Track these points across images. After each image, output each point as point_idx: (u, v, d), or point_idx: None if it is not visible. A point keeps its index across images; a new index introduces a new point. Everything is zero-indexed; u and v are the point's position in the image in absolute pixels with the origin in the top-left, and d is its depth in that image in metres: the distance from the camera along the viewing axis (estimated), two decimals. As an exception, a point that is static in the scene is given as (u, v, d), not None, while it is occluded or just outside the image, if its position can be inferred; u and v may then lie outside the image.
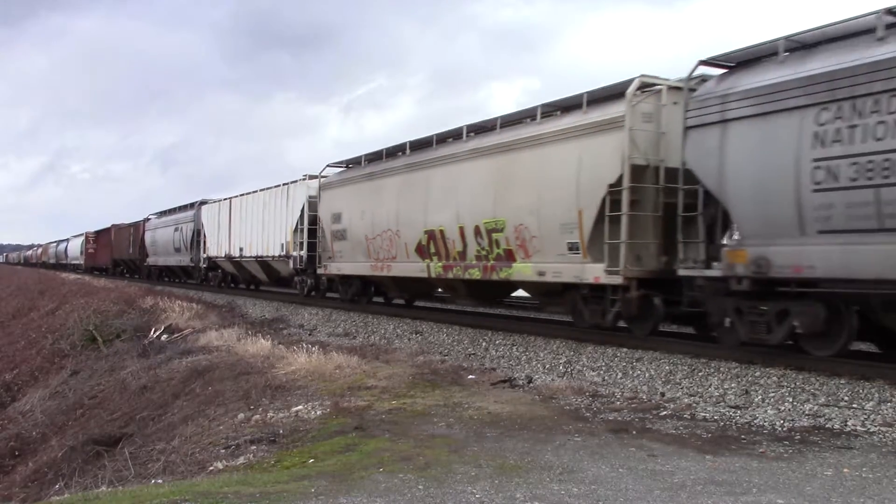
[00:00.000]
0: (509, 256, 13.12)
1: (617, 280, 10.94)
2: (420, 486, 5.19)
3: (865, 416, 7.29)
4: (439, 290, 17.64)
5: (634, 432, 7.01)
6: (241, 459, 6.77)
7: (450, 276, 14.75)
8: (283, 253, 22.75)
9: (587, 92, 12.02)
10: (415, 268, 15.79)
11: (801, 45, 9.29)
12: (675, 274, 10.43)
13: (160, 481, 6.73)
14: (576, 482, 5.29)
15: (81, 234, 59.26)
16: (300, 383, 9.81)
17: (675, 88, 10.96)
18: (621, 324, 11.69)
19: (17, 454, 13.79)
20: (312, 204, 21.03)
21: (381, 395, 8.78)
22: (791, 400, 8.07)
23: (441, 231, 14.83)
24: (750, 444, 6.56)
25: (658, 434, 6.95)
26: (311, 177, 21.49)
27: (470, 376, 10.32)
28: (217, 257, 28.92)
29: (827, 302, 8.70)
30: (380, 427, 7.20)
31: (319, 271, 20.51)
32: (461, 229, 14.23)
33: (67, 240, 69.03)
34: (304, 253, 21.43)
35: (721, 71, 10.29)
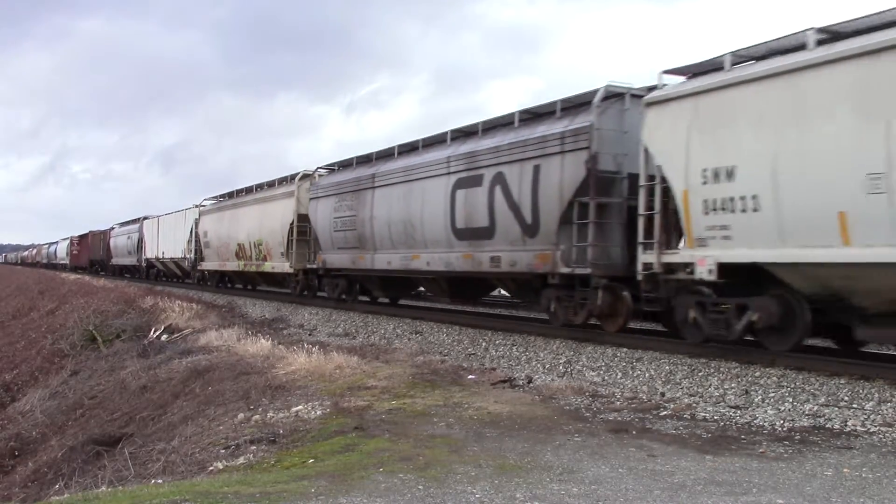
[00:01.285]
0: (264, 258, 24.93)
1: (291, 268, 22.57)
2: (420, 486, 5.19)
3: (865, 416, 7.29)
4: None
5: (634, 432, 7.01)
6: (241, 459, 6.76)
7: (245, 269, 26.81)
8: (182, 255, 34.75)
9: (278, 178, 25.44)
10: (235, 264, 27.64)
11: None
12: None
13: (160, 481, 6.73)
14: (576, 482, 5.29)
15: (68, 238, 69.46)
16: (300, 383, 9.81)
17: None
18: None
19: (17, 454, 13.78)
20: (197, 223, 32.26)
21: (381, 395, 8.78)
22: (791, 400, 8.07)
23: (241, 244, 26.85)
24: (750, 444, 6.56)
25: (658, 434, 6.95)
26: (197, 205, 33.01)
27: (470, 376, 10.32)
28: (151, 258, 40.57)
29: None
30: (380, 427, 7.20)
31: (198, 267, 32.39)
32: (249, 244, 26.18)
33: (56, 242, 79.61)
34: (192, 255, 33.17)
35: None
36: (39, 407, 15.81)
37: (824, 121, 8.32)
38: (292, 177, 23.00)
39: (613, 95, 11.79)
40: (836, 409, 7.63)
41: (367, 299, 20.31)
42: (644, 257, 10.51)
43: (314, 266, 20.81)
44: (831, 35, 8.64)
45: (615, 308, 11.43)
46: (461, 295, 16.63)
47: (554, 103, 12.84)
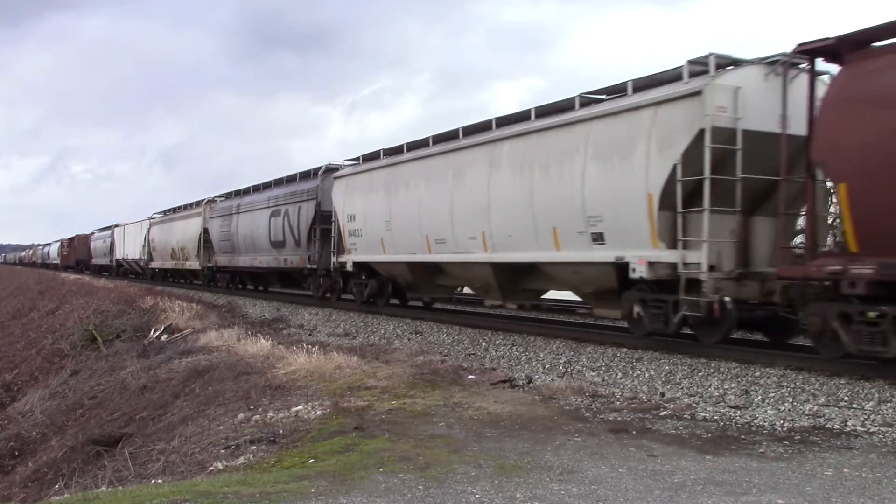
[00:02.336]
0: (185, 259, 33.42)
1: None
2: (420, 486, 5.19)
3: (865, 416, 7.29)
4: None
5: (634, 432, 7.01)
6: (241, 459, 6.76)
7: (176, 267, 35.62)
8: (139, 256, 42.72)
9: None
10: (171, 263, 36.27)
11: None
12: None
13: (160, 481, 6.73)
14: (576, 482, 5.29)
15: (59, 241, 77.12)
16: (300, 383, 9.80)
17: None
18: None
19: (17, 454, 13.78)
20: (149, 231, 40.04)
21: (381, 395, 8.78)
22: (791, 400, 8.07)
23: (174, 248, 35.48)
24: (750, 444, 6.56)
25: (658, 434, 6.95)
26: (149, 218, 40.91)
27: (470, 376, 10.32)
28: (120, 258, 48.77)
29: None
30: (380, 427, 7.20)
31: (149, 266, 40.35)
32: (178, 248, 34.65)
33: (50, 244, 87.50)
34: (146, 256, 41.07)
35: None
36: (39, 407, 15.81)
37: (371, 194, 17.83)
38: (199, 202, 33.02)
39: (329, 170, 21.12)
40: (836, 409, 7.63)
41: (242, 287, 30.56)
42: (335, 259, 19.70)
43: (210, 264, 30.91)
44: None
45: (333, 287, 20.90)
46: (280, 282, 26.55)
47: (297, 174, 23.64)
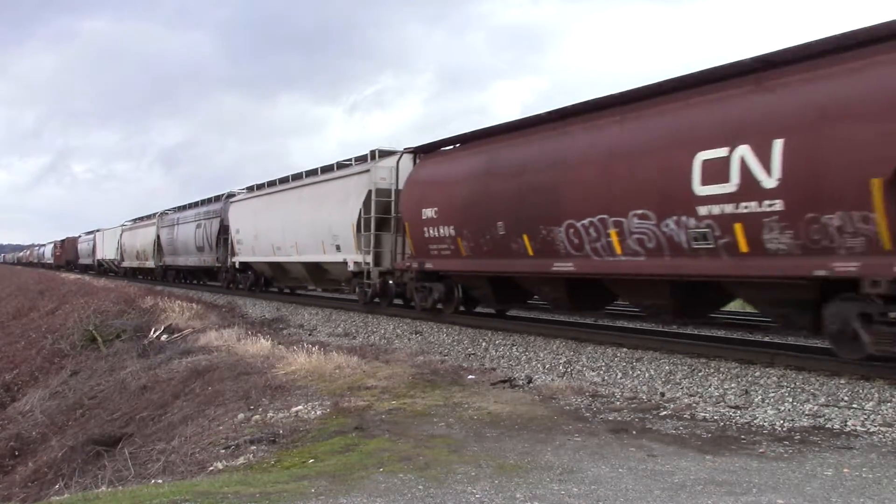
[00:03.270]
0: (146, 259, 41.03)
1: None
2: (420, 486, 5.19)
3: (865, 416, 7.29)
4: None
5: (634, 432, 7.01)
6: (241, 459, 6.77)
7: (138, 266, 43.40)
8: (113, 258, 50.34)
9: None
10: (136, 263, 43.83)
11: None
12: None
13: (160, 481, 6.73)
14: (576, 482, 5.29)
15: (52, 242, 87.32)
16: (300, 383, 9.81)
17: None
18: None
19: (17, 454, 13.78)
20: (121, 236, 47.98)
21: (381, 395, 8.78)
22: (791, 400, 8.07)
23: (137, 251, 43.24)
24: (750, 444, 6.56)
25: (658, 434, 6.95)
26: (122, 224, 48.82)
27: (470, 376, 10.32)
28: (100, 259, 56.02)
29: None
30: (380, 427, 7.20)
31: (121, 265, 47.90)
32: (140, 250, 42.98)
33: (45, 245, 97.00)
34: (118, 257, 48.35)
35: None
36: (39, 407, 15.81)
37: (248, 215, 25.95)
38: (153, 214, 41.16)
39: (230, 196, 29.04)
40: (836, 409, 7.63)
41: (184, 280, 38.07)
42: (230, 259, 27.74)
43: (161, 263, 38.58)
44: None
45: (234, 279, 28.69)
46: (207, 276, 34.25)
47: (212, 197, 32.28)
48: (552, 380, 10.15)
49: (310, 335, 16.84)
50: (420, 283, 16.03)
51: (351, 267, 18.30)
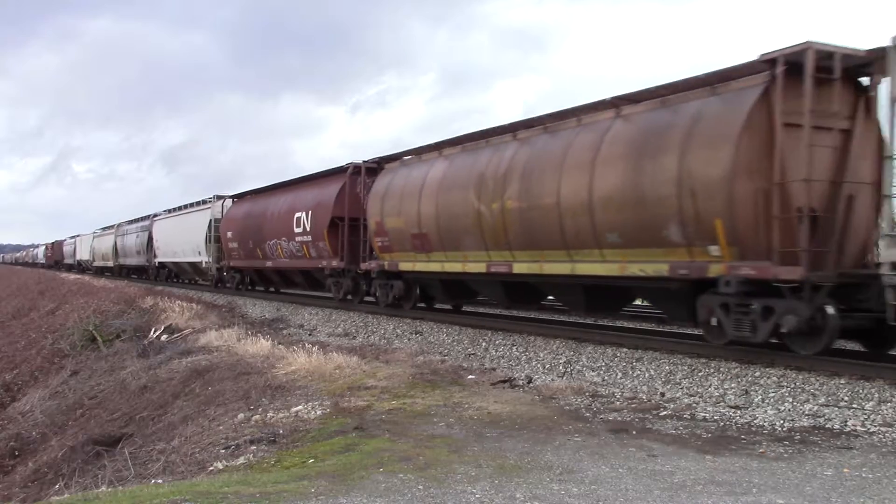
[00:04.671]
0: (108, 260, 52.68)
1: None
2: (420, 486, 5.19)
3: (865, 416, 7.29)
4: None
5: (634, 432, 7.01)
6: (241, 459, 6.76)
7: (105, 265, 53.73)
8: (87, 258, 58.86)
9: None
10: (104, 263, 53.53)
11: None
12: None
13: (160, 481, 6.73)
14: (576, 482, 5.29)
15: (44, 244, 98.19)
16: (300, 383, 9.80)
17: None
18: None
19: (17, 454, 13.77)
20: (93, 241, 57.39)
21: (381, 395, 8.78)
22: (791, 400, 8.07)
23: (104, 253, 53.69)
24: (750, 444, 6.56)
25: (658, 434, 6.95)
26: (93, 232, 59.53)
27: (470, 376, 10.32)
28: (79, 259, 64.71)
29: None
30: (380, 427, 7.20)
31: (93, 265, 55.84)
32: (108, 252, 52.67)
33: (38, 246, 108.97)
34: (91, 258, 57.04)
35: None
36: (39, 407, 15.80)
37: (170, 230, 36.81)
38: (112, 226, 51.93)
39: (155, 215, 39.94)
40: (836, 409, 7.63)
41: (131, 276, 45.69)
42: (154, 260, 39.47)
43: (118, 264, 48.27)
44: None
45: (158, 274, 40.30)
46: (137, 273, 44.75)
47: (140, 217, 44.35)
48: (552, 380, 10.15)
49: (310, 335, 16.84)
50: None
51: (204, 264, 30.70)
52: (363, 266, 18.15)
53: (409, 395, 8.71)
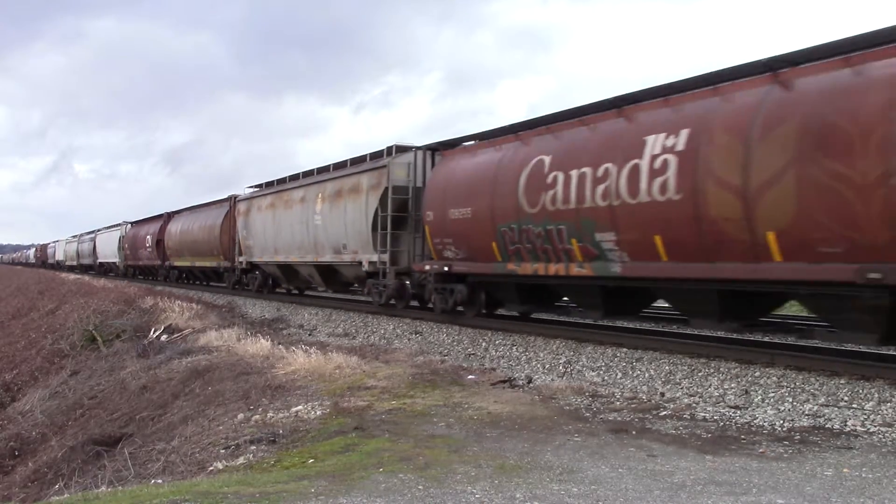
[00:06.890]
0: (83, 259, 62.74)
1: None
2: (420, 486, 5.19)
3: (865, 416, 7.29)
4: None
5: (634, 432, 7.01)
6: (241, 459, 6.76)
7: (81, 263, 62.91)
8: (62, 259, 71.80)
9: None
10: (84, 262, 63.01)
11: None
12: None
13: (160, 481, 6.73)
14: (576, 482, 5.29)
15: (35, 246, 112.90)
16: (300, 383, 9.81)
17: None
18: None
19: (17, 454, 13.77)
20: (68, 244, 71.66)
21: (381, 395, 8.78)
22: (791, 400, 8.07)
23: (79, 253, 65.46)
24: (750, 444, 6.56)
25: (658, 434, 6.95)
26: (71, 236, 72.36)
27: (470, 376, 10.32)
28: (59, 260, 72.49)
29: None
30: (380, 427, 7.20)
31: (67, 264, 68.13)
32: (84, 252, 62.23)
33: (30, 247, 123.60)
34: (65, 259, 70.83)
35: None
36: (39, 407, 15.81)
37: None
38: (91, 231, 59.85)
39: (126, 222, 47.01)
40: (836, 409, 7.63)
41: (107, 274, 51.52)
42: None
43: (98, 262, 54.64)
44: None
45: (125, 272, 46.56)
46: (113, 271, 50.42)
47: (110, 225, 52.90)
48: (552, 380, 10.15)
49: (310, 335, 16.85)
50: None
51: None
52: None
53: (408, 396, 8.71)
